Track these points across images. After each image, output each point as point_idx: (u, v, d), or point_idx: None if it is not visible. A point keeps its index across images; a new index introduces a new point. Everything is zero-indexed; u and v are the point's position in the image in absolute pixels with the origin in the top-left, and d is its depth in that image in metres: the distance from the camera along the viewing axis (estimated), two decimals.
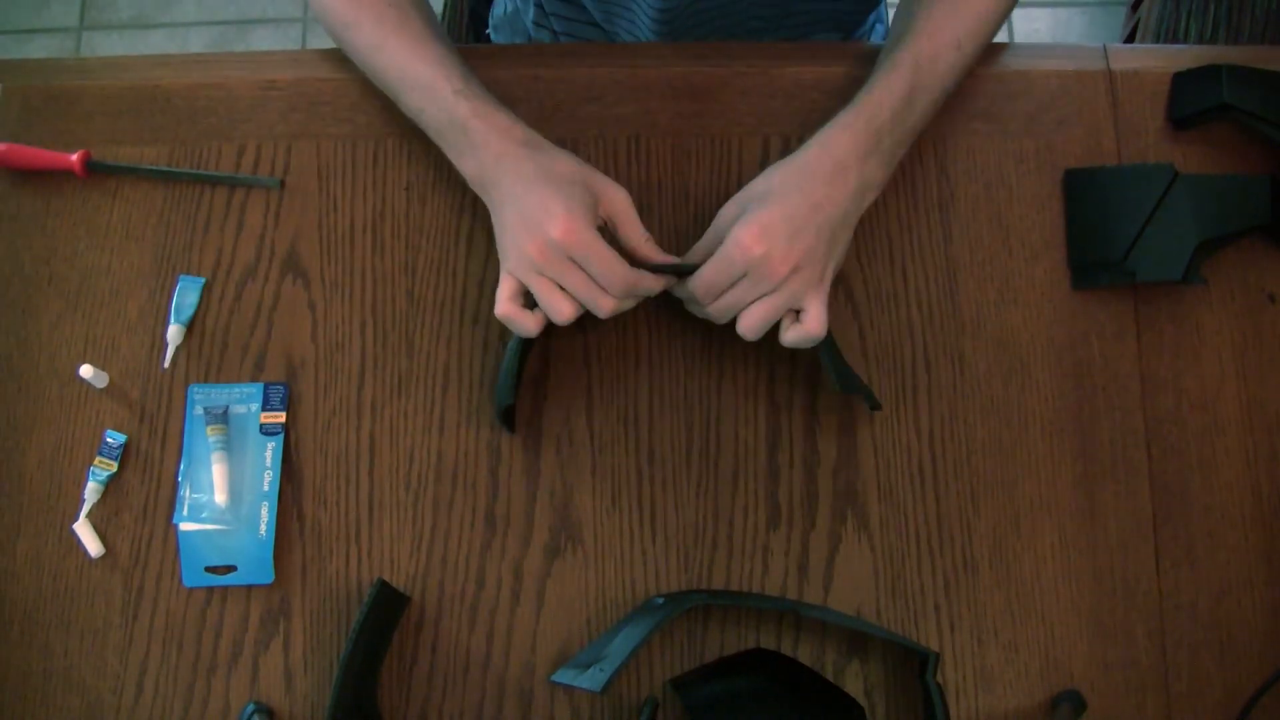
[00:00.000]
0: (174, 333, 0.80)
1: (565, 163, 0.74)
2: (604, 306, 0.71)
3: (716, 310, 0.73)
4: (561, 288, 0.71)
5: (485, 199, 0.76)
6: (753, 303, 0.72)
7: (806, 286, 0.72)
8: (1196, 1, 1.43)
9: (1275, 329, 0.81)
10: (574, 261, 0.70)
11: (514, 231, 0.72)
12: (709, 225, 0.77)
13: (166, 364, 0.80)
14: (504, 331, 0.81)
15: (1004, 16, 0.83)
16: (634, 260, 0.73)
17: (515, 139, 0.74)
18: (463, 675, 0.75)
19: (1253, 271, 0.82)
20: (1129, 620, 0.76)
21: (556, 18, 1.03)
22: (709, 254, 0.73)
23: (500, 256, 0.74)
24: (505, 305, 0.72)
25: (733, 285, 0.72)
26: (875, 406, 0.78)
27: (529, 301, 0.73)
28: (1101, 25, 1.96)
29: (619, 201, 0.74)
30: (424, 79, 0.77)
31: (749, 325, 0.72)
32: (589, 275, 0.70)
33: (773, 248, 0.70)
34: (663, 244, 0.82)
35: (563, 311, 0.71)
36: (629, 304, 0.74)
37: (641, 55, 0.89)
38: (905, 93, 0.76)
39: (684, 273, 0.74)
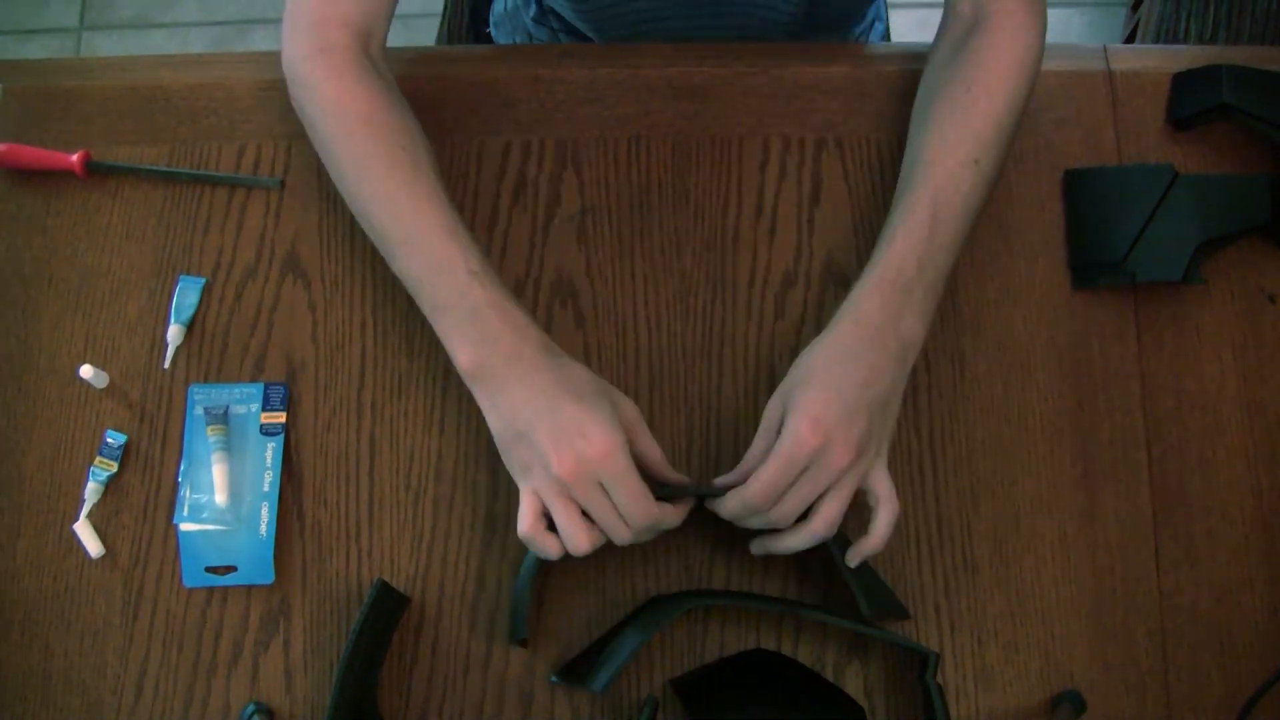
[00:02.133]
0: (174, 333, 0.80)
1: (583, 374, 0.70)
2: (623, 537, 0.68)
3: (779, 515, 0.68)
4: (584, 512, 0.67)
5: (481, 394, 0.71)
6: (821, 499, 0.67)
7: (869, 467, 0.69)
8: (1196, 2, 1.43)
9: (1275, 329, 0.81)
10: (602, 487, 0.66)
11: (541, 447, 0.66)
12: (711, 226, 0.76)
13: (167, 364, 0.80)
14: None
15: (1019, 111, 0.77)
16: (651, 481, 0.69)
17: (531, 342, 0.69)
18: (463, 675, 0.75)
19: (1253, 272, 0.82)
20: (1129, 620, 0.76)
21: (555, 15, 1.03)
22: (758, 456, 0.69)
23: (516, 471, 0.70)
24: (530, 526, 0.68)
25: (793, 484, 0.67)
26: (904, 615, 0.75)
27: (549, 521, 0.68)
28: (1101, 26, 1.96)
29: (632, 414, 0.70)
30: (436, 250, 0.71)
31: (826, 524, 0.67)
32: (613, 503, 0.67)
33: (832, 436, 0.66)
34: (663, 247, 0.82)
35: (580, 545, 0.67)
36: (645, 538, 0.70)
37: (642, 55, 0.89)
38: (926, 235, 0.72)
39: (705, 494, 0.72)
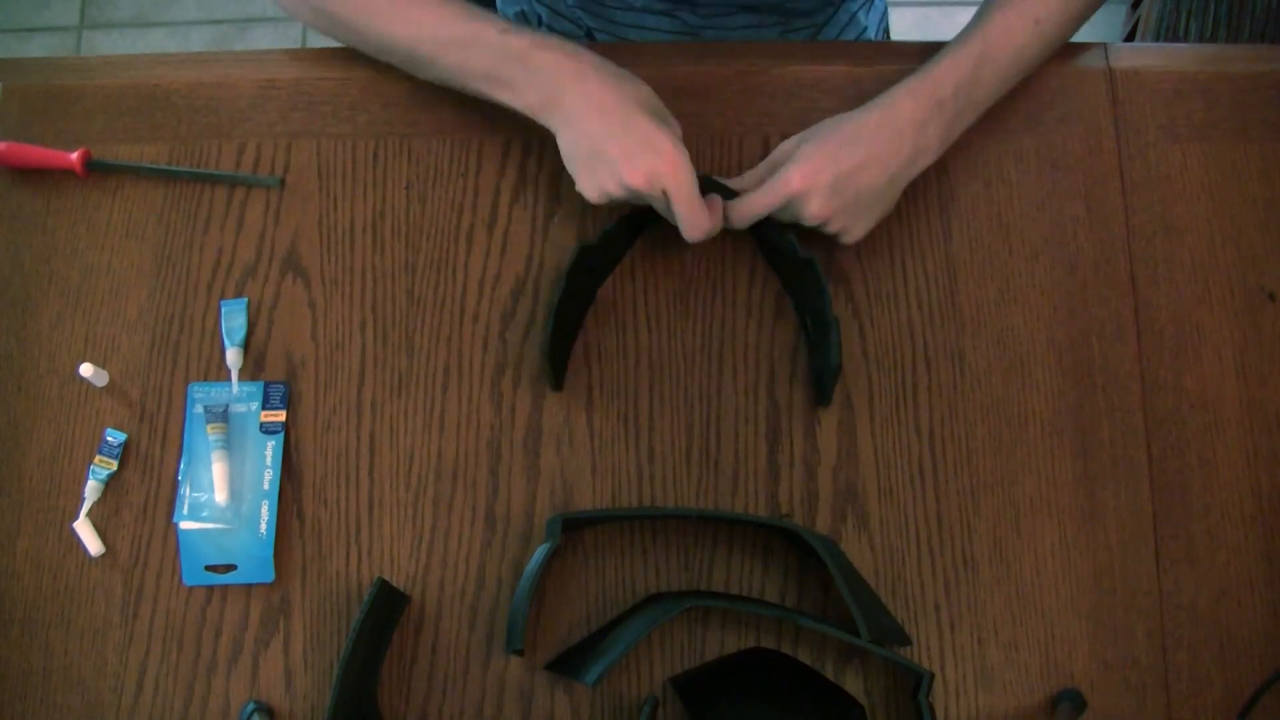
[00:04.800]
0: (233, 356, 0.80)
1: (645, 90, 0.76)
2: (701, 229, 0.75)
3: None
4: None
5: (556, 123, 0.76)
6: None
7: (840, 233, 0.78)
8: (1197, 0, 1.44)
9: (1275, 328, 0.81)
10: (665, 194, 0.73)
11: (614, 160, 0.73)
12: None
13: (235, 389, 0.79)
14: (504, 329, 0.81)
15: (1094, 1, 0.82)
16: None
17: (587, 62, 0.75)
18: (463, 675, 0.75)
19: (1252, 270, 0.82)
20: (1129, 619, 0.76)
21: None
22: (756, 182, 0.78)
23: (588, 185, 0.76)
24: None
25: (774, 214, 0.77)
26: (905, 642, 0.76)
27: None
28: (1101, 24, 1.96)
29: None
30: (463, 33, 0.76)
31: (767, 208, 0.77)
32: (672, 210, 0.74)
33: (813, 190, 0.74)
34: (663, 245, 0.83)
35: (701, 225, 0.75)
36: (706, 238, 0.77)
37: (642, 55, 0.89)
38: (972, 67, 0.78)
39: (726, 194, 0.78)
